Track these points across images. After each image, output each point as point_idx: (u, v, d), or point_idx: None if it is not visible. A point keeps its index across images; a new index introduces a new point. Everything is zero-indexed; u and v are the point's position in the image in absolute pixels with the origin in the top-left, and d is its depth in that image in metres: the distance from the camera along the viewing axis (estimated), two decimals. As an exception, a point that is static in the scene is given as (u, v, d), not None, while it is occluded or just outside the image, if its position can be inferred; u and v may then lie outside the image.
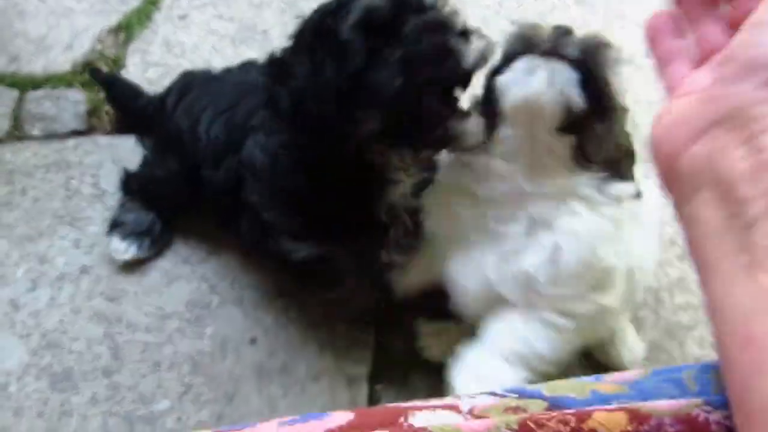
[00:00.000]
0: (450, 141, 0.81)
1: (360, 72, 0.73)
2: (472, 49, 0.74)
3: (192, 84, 1.09)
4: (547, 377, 0.82)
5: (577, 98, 0.72)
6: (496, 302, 0.84)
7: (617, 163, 0.81)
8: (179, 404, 1.00)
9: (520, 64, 0.74)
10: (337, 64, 0.74)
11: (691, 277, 1.17)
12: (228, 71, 1.10)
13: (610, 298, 0.86)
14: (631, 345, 1.09)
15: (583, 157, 0.78)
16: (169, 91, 1.11)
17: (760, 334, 0.31)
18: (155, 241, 1.13)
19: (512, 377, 0.81)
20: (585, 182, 0.79)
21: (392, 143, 0.82)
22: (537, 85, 0.72)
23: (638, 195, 0.83)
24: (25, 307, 1.07)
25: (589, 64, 0.73)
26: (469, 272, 0.85)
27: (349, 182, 0.85)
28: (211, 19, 1.42)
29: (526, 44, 0.74)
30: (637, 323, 1.12)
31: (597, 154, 0.78)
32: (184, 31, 1.40)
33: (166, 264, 1.13)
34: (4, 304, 1.07)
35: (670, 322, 1.12)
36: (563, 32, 0.74)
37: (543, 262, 0.80)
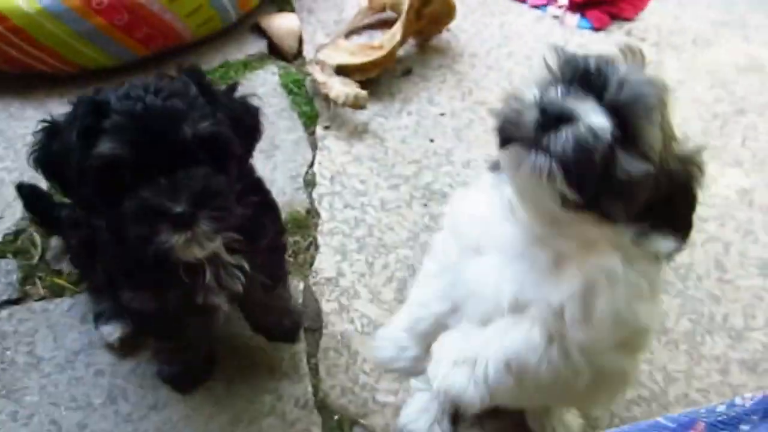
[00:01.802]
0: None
1: None
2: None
3: None
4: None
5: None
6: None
7: (670, 214, 0.69)
8: None
9: None
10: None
11: (640, 368, 1.17)
12: None
13: (633, 363, 0.78)
14: (567, 420, 1.08)
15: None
16: None
17: None
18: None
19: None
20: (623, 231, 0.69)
21: None
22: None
23: (676, 252, 0.71)
24: (-41, 496, 1.02)
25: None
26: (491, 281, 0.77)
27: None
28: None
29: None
30: (591, 423, 1.10)
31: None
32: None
33: (106, 425, 1.10)
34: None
35: (624, 418, 1.11)
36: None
37: (572, 298, 0.70)
